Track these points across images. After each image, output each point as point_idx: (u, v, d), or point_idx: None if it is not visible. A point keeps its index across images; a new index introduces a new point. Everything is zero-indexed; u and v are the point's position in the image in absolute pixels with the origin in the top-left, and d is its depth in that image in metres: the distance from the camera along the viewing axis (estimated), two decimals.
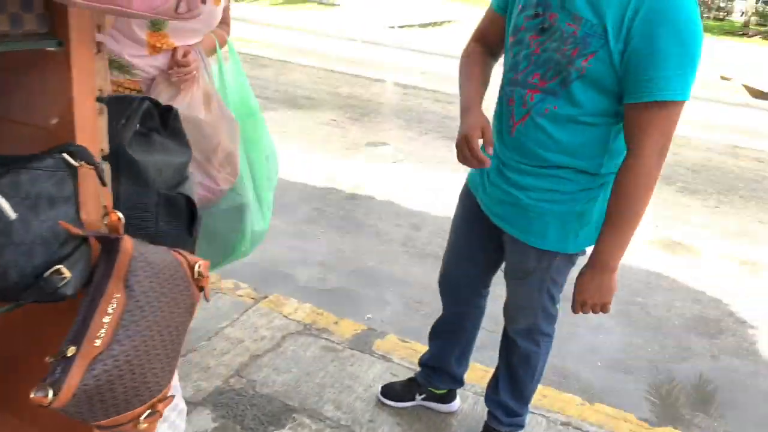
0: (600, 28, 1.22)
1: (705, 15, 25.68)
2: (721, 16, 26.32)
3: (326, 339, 2.31)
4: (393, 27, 13.01)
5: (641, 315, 2.79)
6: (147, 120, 0.88)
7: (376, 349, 2.28)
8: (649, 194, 1.31)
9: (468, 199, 1.62)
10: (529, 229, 1.45)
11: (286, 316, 2.44)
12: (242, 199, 1.94)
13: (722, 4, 27.02)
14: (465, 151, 1.33)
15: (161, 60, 1.64)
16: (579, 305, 1.45)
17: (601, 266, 1.39)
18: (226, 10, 1.85)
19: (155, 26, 1.58)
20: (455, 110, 1.56)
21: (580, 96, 1.29)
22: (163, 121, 0.92)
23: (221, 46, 1.87)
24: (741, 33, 20.21)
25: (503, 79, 1.44)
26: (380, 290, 2.86)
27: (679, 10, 1.19)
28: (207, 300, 0.89)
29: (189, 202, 0.92)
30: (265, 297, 2.56)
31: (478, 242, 1.63)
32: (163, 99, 1.66)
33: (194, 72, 1.66)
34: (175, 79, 1.63)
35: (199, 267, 0.85)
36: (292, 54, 9.04)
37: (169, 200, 0.89)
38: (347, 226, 3.53)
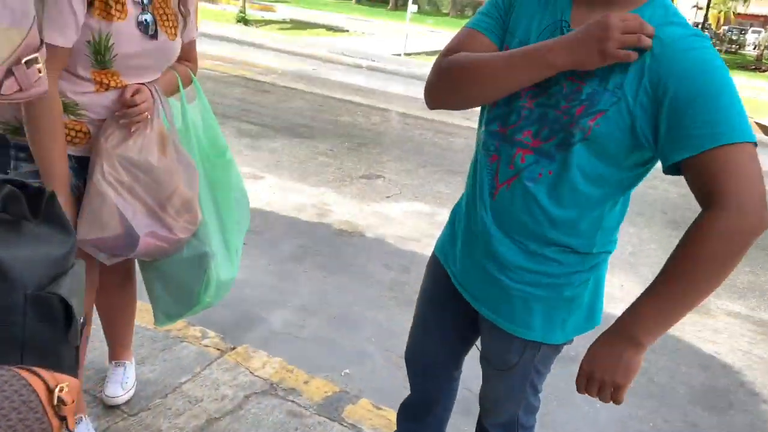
0: (611, 84, 1.03)
1: (717, 48, 25.68)
2: (733, 50, 26.18)
3: (293, 401, 2.10)
4: (399, 54, 12.97)
5: (643, 381, 2.56)
6: (11, 205, 0.70)
7: (346, 416, 2.06)
8: (736, 262, 0.98)
9: (437, 269, 1.40)
10: (512, 316, 1.23)
11: (252, 372, 2.24)
12: (205, 248, 1.78)
13: (734, 37, 26.88)
14: (628, 22, 0.98)
15: (111, 98, 1.48)
16: (585, 378, 1.13)
17: (627, 336, 1.07)
18: (190, 45, 1.69)
19: (99, 63, 1.42)
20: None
21: (583, 161, 1.08)
22: (34, 206, 0.74)
23: (185, 85, 1.71)
24: (753, 67, 20.01)
25: (484, 129, 1.22)
26: (362, 341, 2.65)
27: (700, 43, 1.01)
28: (70, 431, 0.69)
29: (64, 302, 0.74)
30: (233, 348, 2.36)
31: (450, 320, 1.42)
32: (114, 142, 1.50)
33: (145, 113, 1.49)
34: (123, 122, 1.47)
35: (61, 391, 0.66)
36: (295, 80, 8.96)
37: (39, 301, 0.71)
38: (333, 266, 3.34)
